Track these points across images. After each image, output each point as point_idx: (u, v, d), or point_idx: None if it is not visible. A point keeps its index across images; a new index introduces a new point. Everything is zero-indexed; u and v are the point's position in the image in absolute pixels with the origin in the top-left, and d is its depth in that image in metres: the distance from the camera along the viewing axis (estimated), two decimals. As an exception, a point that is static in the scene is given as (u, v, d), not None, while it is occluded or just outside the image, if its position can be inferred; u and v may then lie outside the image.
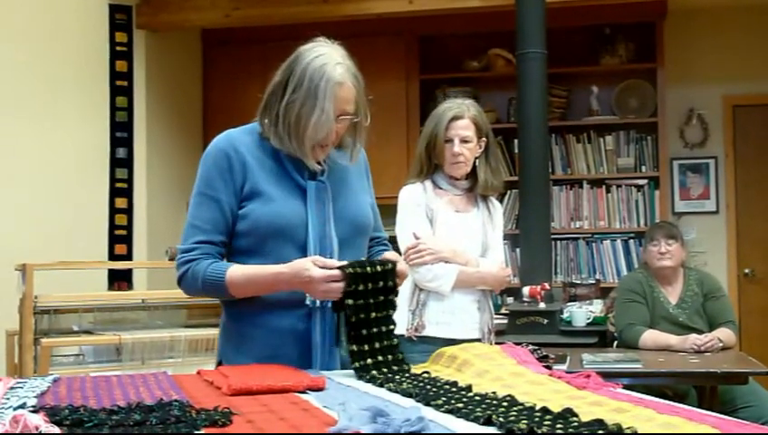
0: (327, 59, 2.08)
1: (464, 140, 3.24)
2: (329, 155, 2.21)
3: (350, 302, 1.93)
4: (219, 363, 2.20)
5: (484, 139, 3.31)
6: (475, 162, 3.31)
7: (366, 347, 1.93)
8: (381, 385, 1.78)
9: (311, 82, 2.06)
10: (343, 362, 2.11)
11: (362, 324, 1.94)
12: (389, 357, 1.94)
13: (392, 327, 1.97)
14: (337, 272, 1.93)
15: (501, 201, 6.54)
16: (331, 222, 2.14)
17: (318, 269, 1.94)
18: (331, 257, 2.07)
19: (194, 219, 2.15)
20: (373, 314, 1.94)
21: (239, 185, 2.13)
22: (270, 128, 2.15)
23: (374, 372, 1.90)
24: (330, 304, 2.06)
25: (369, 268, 1.95)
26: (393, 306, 1.98)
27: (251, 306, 2.12)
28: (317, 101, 2.05)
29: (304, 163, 2.15)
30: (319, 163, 2.17)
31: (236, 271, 2.08)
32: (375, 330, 1.94)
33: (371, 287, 1.94)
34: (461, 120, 3.26)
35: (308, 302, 2.09)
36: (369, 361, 1.92)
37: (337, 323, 2.04)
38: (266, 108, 2.17)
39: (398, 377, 1.85)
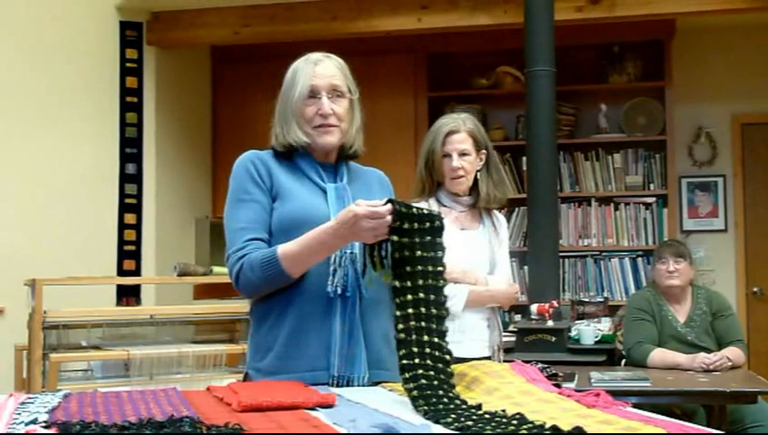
0: (307, 55, 2.30)
1: (462, 154, 3.24)
2: (349, 169, 2.32)
3: (394, 238, 1.91)
4: (246, 375, 2.23)
5: (484, 151, 3.29)
6: (476, 176, 3.31)
7: (408, 283, 1.89)
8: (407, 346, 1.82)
9: (293, 74, 2.27)
10: (369, 361, 2.13)
11: (406, 262, 1.91)
12: (432, 297, 1.90)
13: (440, 269, 1.93)
14: (382, 208, 1.92)
15: (508, 218, 6.57)
16: None
17: (362, 206, 1.95)
18: (353, 255, 2.13)
19: (237, 223, 2.20)
20: (419, 253, 1.91)
21: (268, 186, 2.21)
22: (272, 138, 2.28)
23: (411, 310, 1.87)
24: (349, 294, 2.11)
25: (415, 209, 1.93)
26: (441, 248, 1.94)
27: (277, 304, 2.15)
28: (296, 80, 2.24)
29: (324, 170, 2.26)
30: (348, 160, 2.30)
31: (287, 244, 2.11)
32: (420, 268, 1.90)
33: (418, 227, 1.91)
34: (457, 134, 3.25)
35: (329, 289, 2.11)
36: (409, 297, 1.88)
37: (369, 252, 2.00)
38: (276, 123, 2.29)
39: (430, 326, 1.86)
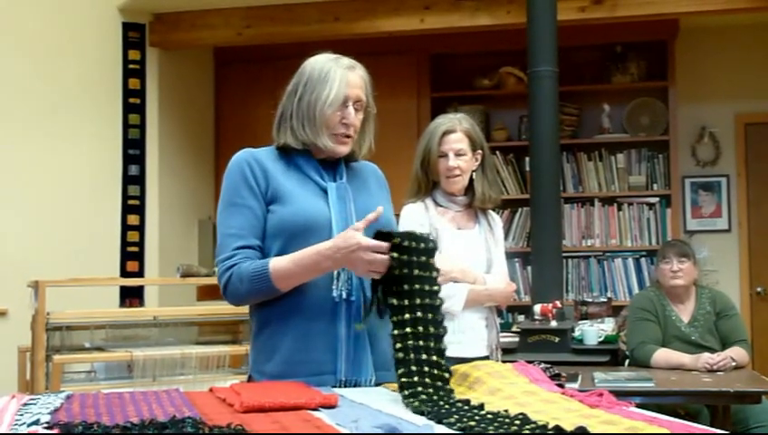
0: (334, 55, 2.25)
1: (458, 154, 3.24)
2: (347, 165, 2.29)
3: (394, 254, 1.91)
4: (249, 378, 2.22)
5: (479, 151, 3.31)
6: (471, 176, 3.31)
7: (406, 302, 1.90)
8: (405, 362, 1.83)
9: (321, 71, 2.20)
10: (376, 363, 2.13)
11: (405, 279, 1.91)
12: (429, 316, 1.90)
13: (435, 288, 1.93)
14: (384, 244, 1.92)
15: (511, 219, 6.58)
16: (354, 220, 2.15)
17: (366, 237, 1.94)
18: None
19: (228, 229, 2.18)
20: (416, 271, 1.91)
21: (263, 189, 2.18)
22: (286, 131, 2.23)
23: (409, 329, 1.87)
24: (353, 298, 2.10)
25: (412, 232, 1.95)
26: (435, 269, 1.95)
27: (280, 308, 2.14)
28: (327, 82, 2.18)
29: (324, 168, 2.23)
30: (346, 162, 2.27)
31: (280, 259, 2.10)
32: (417, 286, 1.90)
33: (415, 246, 1.92)
34: (453, 133, 3.27)
35: (335, 294, 2.10)
36: (407, 315, 1.89)
37: (373, 286, 2.02)
38: (281, 117, 2.25)
39: (429, 344, 1.86)
